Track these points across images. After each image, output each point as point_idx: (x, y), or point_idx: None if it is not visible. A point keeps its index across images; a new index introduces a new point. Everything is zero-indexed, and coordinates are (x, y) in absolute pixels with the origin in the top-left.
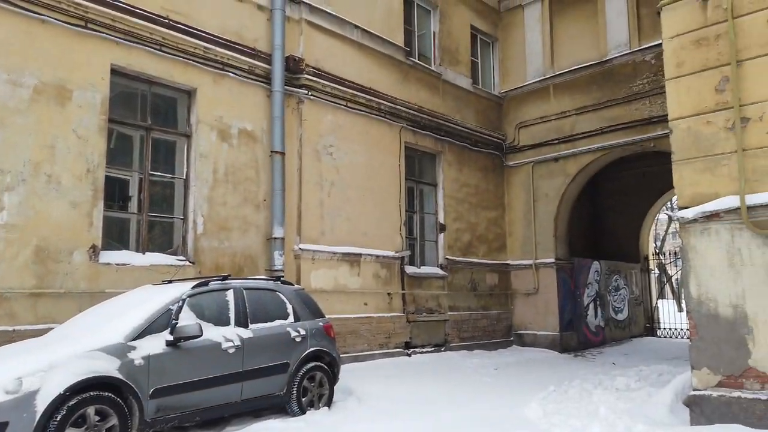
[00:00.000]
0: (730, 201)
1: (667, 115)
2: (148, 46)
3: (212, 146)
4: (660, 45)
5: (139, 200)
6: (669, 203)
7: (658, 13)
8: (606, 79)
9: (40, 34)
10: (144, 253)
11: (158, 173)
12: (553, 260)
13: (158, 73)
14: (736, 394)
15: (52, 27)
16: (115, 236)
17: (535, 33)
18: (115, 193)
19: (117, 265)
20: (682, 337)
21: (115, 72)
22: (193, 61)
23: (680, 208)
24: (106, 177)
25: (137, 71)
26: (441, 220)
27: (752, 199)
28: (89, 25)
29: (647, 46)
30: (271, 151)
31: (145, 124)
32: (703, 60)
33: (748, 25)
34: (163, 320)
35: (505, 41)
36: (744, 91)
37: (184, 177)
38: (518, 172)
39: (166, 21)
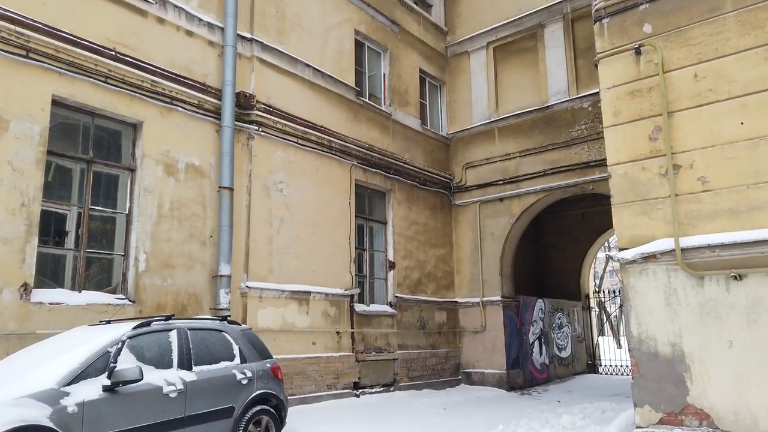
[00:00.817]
0: (666, 243)
1: (604, 159)
2: (93, 78)
3: (158, 181)
4: (596, 94)
5: (77, 236)
6: (607, 243)
7: (596, 65)
8: (547, 124)
9: None
10: (80, 292)
11: (99, 208)
12: (499, 298)
13: (102, 105)
14: (677, 431)
15: None
16: (50, 274)
17: (480, 78)
18: (51, 229)
19: (50, 304)
20: (623, 374)
21: (56, 103)
22: (140, 94)
23: (620, 249)
24: (42, 211)
25: (80, 103)
26: (390, 257)
27: (685, 242)
28: (30, 55)
29: (584, 94)
30: (219, 187)
31: (87, 156)
32: (637, 110)
33: (677, 79)
34: (100, 364)
35: (453, 85)
36: (675, 140)
37: (127, 212)
38: (465, 211)
39: (113, 53)
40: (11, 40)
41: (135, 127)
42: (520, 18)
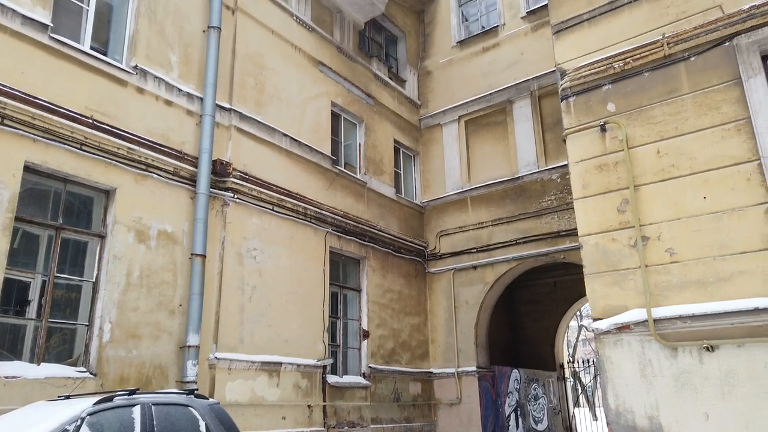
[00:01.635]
0: (638, 314)
1: (573, 229)
2: (68, 145)
3: (128, 248)
4: (564, 166)
5: (40, 305)
6: (579, 312)
7: (564, 140)
8: (518, 194)
9: None
10: (39, 364)
11: (65, 275)
12: (474, 368)
13: (76, 171)
14: None
15: None
16: (8, 345)
17: (453, 149)
18: (12, 297)
19: (6, 378)
20: None
21: (28, 169)
22: (116, 161)
23: (594, 320)
24: (5, 279)
25: (53, 169)
26: (365, 326)
27: (657, 312)
28: (6, 122)
29: (553, 166)
30: (192, 254)
31: (56, 223)
32: (605, 183)
33: (641, 154)
34: None
35: (426, 155)
36: (643, 212)
37: (94, 280)
38: (440, 279)
39: (90, 121)
40: None
41: (108, 193)
42: (490, 94)
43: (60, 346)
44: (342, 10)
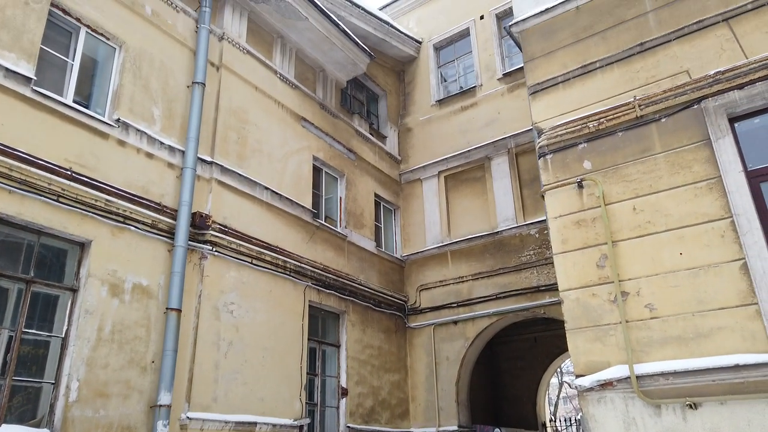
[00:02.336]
0: (621, 370)
1: (553, 284)
2: (45, 197)
3: (101, 302)
4: (542, 221)
5: (5, 362)
6: (559, 368)
7: (542, 196)
8: (498, 249)
9: None
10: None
11: (33, 331)
12: (456, 427)
13: (51, 223)
14: None
15: None
16: None
17: (433, 204)
18: None
19: None
20: None
21: (1, 221)
22: (93, 212)
23: (576, 376)
24: None
25: (28, 221)
26: (343, 383)
27: (640, 369)
28: None
29: (531, 221)
30: (167, 308)
31: (27, 276)
32: (584, 239)
33: (618, 211)
34: None
35: (406, 209)
36: (621, 267)
37: (63, 335)
38: (420, 334)
39: (69, 173)
40: None
41: (83, 246)
42: (468, 150)
43: (23, 406)
44: (325, 69)
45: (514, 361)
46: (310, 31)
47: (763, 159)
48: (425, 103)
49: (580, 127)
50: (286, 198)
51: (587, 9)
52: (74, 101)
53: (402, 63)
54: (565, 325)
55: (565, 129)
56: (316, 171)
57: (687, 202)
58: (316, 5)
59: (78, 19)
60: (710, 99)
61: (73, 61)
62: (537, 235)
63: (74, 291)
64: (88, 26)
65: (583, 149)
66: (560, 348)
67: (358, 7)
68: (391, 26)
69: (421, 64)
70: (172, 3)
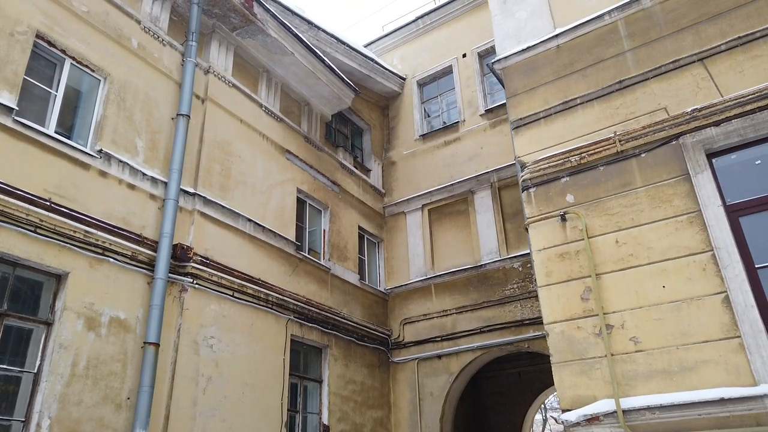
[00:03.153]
0: (607, 404)
1: (537, 317)
2: (22, 228)
3: (76, 336)
4: (525, 255)
5: None
6: (543, 404)
7: (526, 229)
8: (481, 282)
9: None
10: None
11: (4, 366)
12: None
13: (27, 255)
14: None
15: None
16: None
17: (416, 237)
18: None
19: None
20: None
21: None
22: (71, 244)
23: (563, 411)
24: None
25: (3, 252)
26: (325, 420)
27: (626, 403)
28: None
29: (514, 255)
30: (145, 342)
31: (0, 309)
32: (568, 271)
33: (601, 243)
34: None
35: (390, 242)
36: (605, 300)
37: (36, 371)
38: (404, 369)
39: (48, 203)
40: None
41: (59, 278)
42: (452, 184)
43: None
44: (310, 103)
45: (498, 397)
46: (296, 66)
47: (741, 193)
48: (409, 138)
49: (562, 161)
50: (270, 230)
51: (567, 48)
52: (56, 132)
53: (386, 98)
54: (551, 358)
55: (548, 163)
56: (300, 203)
57: (668, 235)
58: (302, 41)
59: (63, 51)
60: (688, 135)
61: (56, 92)
62: (520, 269)
63: (49, 325)
64: (73, 58)
65: (566, 183)
66: (544, 383)
67: (344, 43)
68: (376, 63)
69: (405, 100)
70: (158, 36)
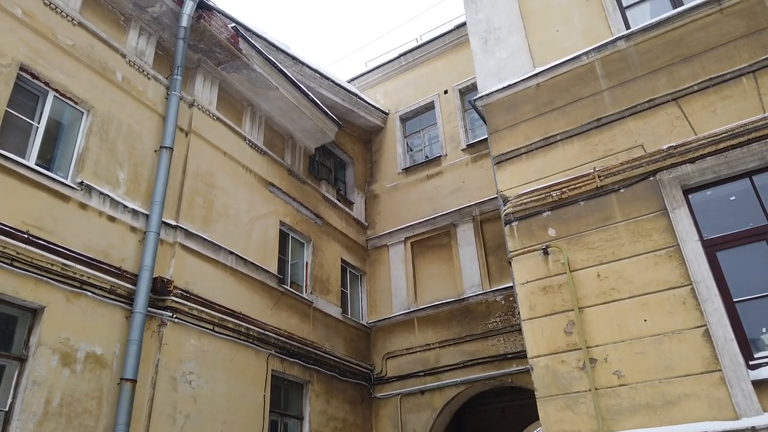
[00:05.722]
0: None
1: (520, 351)
2: None
3: (51, 373)
4: (508, 288)
5: None
6: None
7: (509, 262)
8: (464, 315)
9: None
10: None
11: None
12: None
13: (2, 288)
14: None
15: None
16: None
17: (399, 270)
18: None
19: None
20: None
21: None
22: (47, 277)
23: None
24: None
25: None
26: None
27: None
28: None
29: (497, 288)
30: (121, 379)
31: None
32: (551, 305)
33: (583, 277)
34: None
35: (373, 275)
36: (588, 334)
37: (7, 409)
38: (386, 405)
39: (25, 236)
40: None
41: (35, 312)
42: (434, 217)
43: None
44: (294, 136)
45: None
46: (281, 100)
47: (718, 229)
48: (392, 171)
49: (543, 195)
50: (252, 263)
51: (547, 86)
52: (37, 164)
53: (369, 132)
54: (535, 392)
55: (530, 197)
56: (283, 236)
57: (648, 269)
58: (286, 76)
59: (47, 83)
60: (665, 171)
61: (38, 123)
62: (503, 302)
63: (23, 361)
64: (56, 90)
65: (548, 217)
66: (527, 419)
67: (328, 78)
68: (359, 98)
69: (388, 134)
70: (143, 70)
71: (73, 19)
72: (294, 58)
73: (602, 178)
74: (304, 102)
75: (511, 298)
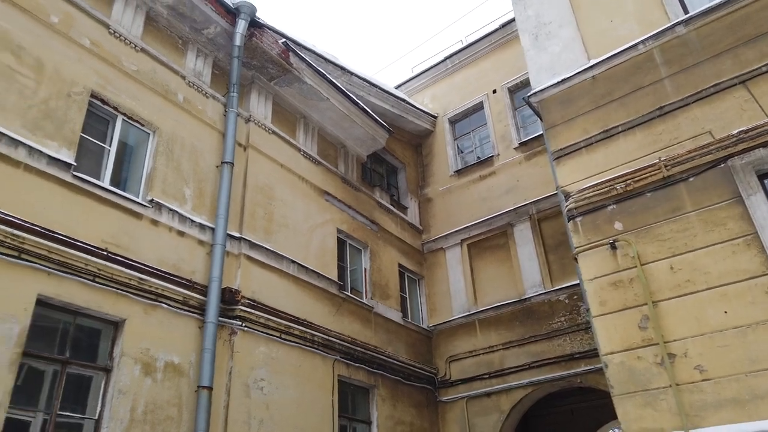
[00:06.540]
0: None
1: (588, 351)
2: (82, 277)
3: (134, 382)
4: (571, 286)
5: None
6: None
7: (575, 259)
8: (527, 316)
9: None
10: None
11: (67, 413)
12: None
13: (87, 303)
14: None
15: None
16: None
17: (457, 272)
18: None
19: None
20: None
21: (40, 302)
22: (126, 291)
23: None
24: (6, 419)
25: (65, 302)
26: None
27: None
28: (23, 256)
29: (560, 287)
30: (198, 386)
31: (63, 357)
32: (622, 300)
33: (655, 270)
34: None
35: (431, 279)
36: (665, 328)
37: (97, 417)
38: (452, 408)
39: (105, 253)
40: (5, 242)
41: (117, 325)
42: (490, 218)
43: None
44: (346, 145)
45: None
46: (332, 111)
47: None
48: (443, 174)
49: (607, 189)
50: (313, 271)
51: (603, 78)
52: (110, 184)
53: (419, 137)
54: (611, 390)
55: (593, 192)
56: (341, 243)
57: (725, 259)
58: (336, 87)
59: (115, 108)
60: (737, 157)
61: (110, 146)
62: (567, 301)
63: (108, 371)
64: (124, 114)
65: (613, 211)
66: (599, 421)
67: (376, 86)
68: (408, 103)
69: (438, 137)
70: (201, 90)
71: (135, 46)
72: (342, 68)
73: (669, 167)
74: (355, 111)
75: (575, 297)
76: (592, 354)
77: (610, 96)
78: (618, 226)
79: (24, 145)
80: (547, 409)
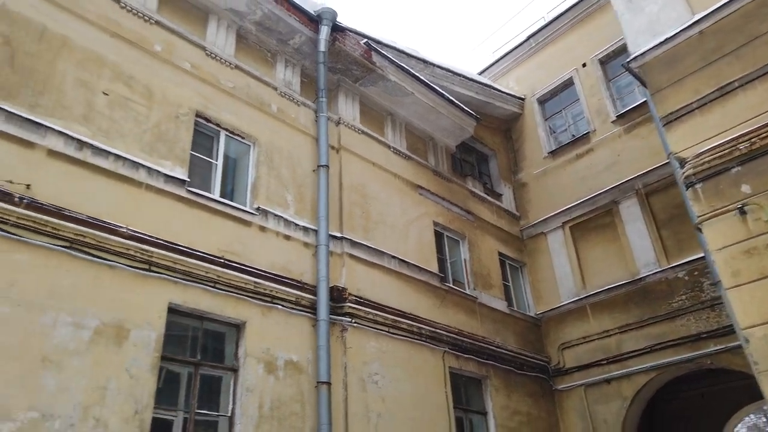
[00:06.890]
0: None
1: (717, 330)
2: (204, 284)
3: (259, 380)
4: (690, 262)
5: None
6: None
7: (699, 229)
8: (642, 297)
9: (107, 279)
10: None
11: (203, 411)
12: None
13: (211, 309)
14: None
15: (119, 271)
16: None
17: (561, 257)
18: None
19: None
20: None
21: (171, 310)
22: (244, 295)
23: None
24: (153, 418)
25: (191, 308)
26: None
27: None
28: (152, 268)
29: (677, 264)
30: (318, 382)
31: (195, 359)
32: (759, 269)
33: None
34: None
35: (533, 265)
36: None
37: (230, 414)
38: (570, 397)
39: (222, 260)
40: (137, 257)
41: (239, 327)
42: (592, 197)
43: None
44: (434, 138)
45: (680, 423)
46: (417, 105)
47: None
48: (537, 157)
49: (729, 150)
50: (413, 264)
51: (712, 32)
52: (220, 196)
53: (507, 121)
54: (756, 367)
55: (712, 155)
56: (438, 235)
57: None
58: (420, 80)
59: (218, 125)
60: None
61: (216, 161)
62: (687, 278)
63: (235, 371)
64: (226, 129)
65: (738, 173)
66: (735, 404)
67: (459, 75)
68: (493, 88)
69: (527, 120)
70: (293, 98)
71: (230, 64)
72: (424, 61)
73: None
74: (440, 102)
75: (695, 273)
76: (722, 332)
77: (721, 50)
78: (745, 188)
79: (143, 166)
80: (674, 393)
